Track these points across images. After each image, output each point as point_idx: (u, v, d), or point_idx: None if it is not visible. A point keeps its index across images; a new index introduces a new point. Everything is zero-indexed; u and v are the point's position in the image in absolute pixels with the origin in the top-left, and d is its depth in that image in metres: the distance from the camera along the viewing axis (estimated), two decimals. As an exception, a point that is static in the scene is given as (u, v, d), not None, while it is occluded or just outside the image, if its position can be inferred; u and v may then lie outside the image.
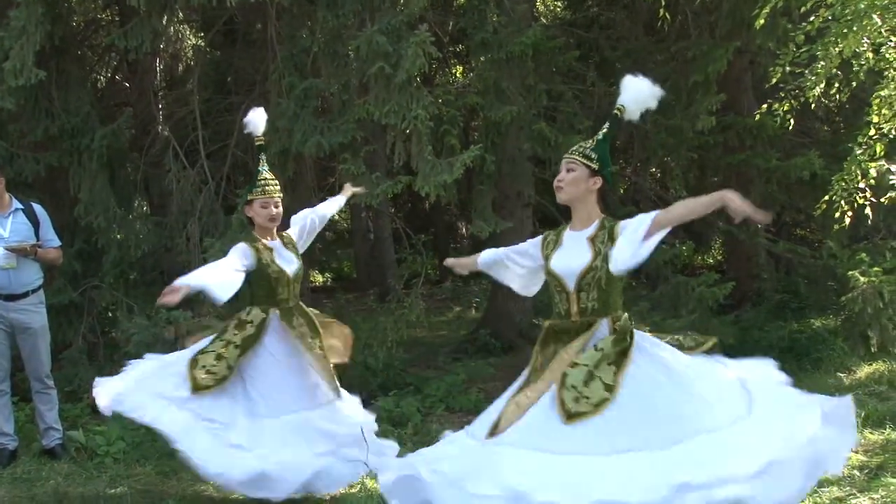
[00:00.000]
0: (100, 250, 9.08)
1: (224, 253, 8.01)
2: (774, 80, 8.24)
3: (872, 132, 7.88)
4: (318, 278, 18.52)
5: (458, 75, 13.82)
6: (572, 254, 4.47)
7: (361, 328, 11.21)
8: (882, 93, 7.61)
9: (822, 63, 7.52)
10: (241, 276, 5.67)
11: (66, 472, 6.73)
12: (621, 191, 11.89)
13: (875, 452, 6.25)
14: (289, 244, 6.09)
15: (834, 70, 7.70)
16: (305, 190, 9.85)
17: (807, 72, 7.80)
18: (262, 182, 5.95)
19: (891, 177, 8.17)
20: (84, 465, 6.98)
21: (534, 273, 4.81)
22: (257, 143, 6.23)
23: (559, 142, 8.91)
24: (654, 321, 8.89)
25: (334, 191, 12.10)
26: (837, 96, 8.60)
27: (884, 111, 7.60)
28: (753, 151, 10.32)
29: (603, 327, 4.38)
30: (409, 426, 7.92)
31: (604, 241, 4.41)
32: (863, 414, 6.98)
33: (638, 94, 4.66)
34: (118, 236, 9.16)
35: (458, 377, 9.23)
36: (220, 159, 9.94)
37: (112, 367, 8.85)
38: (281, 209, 6.01)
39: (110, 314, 9.39)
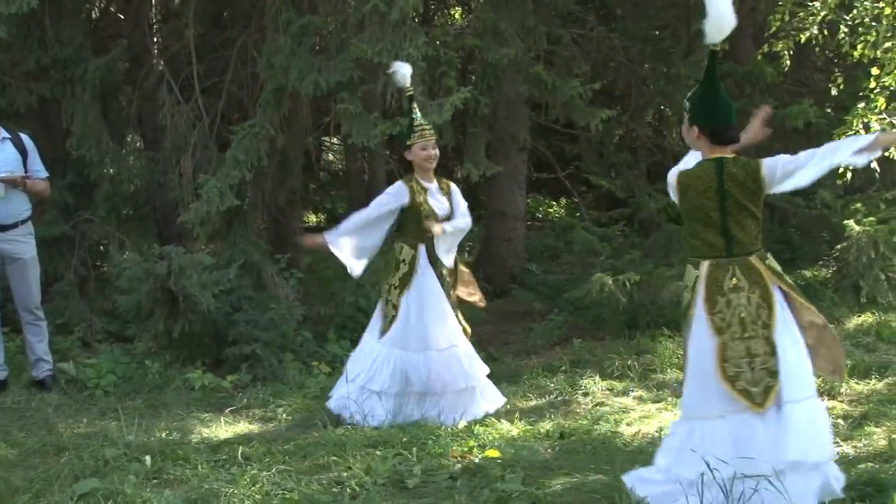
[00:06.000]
0: (92, 184, 9.01)
1: (220, 190, 8.08)
2: (774, 29, 8.17)
3: (873, 84, 7.84)
4: (312, 218, 18.46)
5: (456, 17, 13.66)
6: None
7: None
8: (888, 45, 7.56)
9: (819, 4, 7.48)
10: (382, 233, 6.41)
11: (56, 404, 6.76)
12: (616, 138, 11.80)
13: (860, 402, 6.32)
14: (444, 190, 6.52)
15: (831, 14, 7.64)
16: (300, 128, 9.78)
17: (802, 14, 7.76)
18: (419, 127, 6.41)
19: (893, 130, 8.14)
20: (74, 397, 7.02)
21: None
22: (408, 94, 6.62)
23: (556, 85, 8.83)
24: (646, 269, 8.90)
25: (329, 130, 12.09)
26: (841, 42, 8.47)
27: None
28: (750, 100, 10.23)
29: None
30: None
31: None
32: (850, 364, 7.04)
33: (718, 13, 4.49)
34: (111, 170, 9.09)
35: (449, 320, 9.25)
36: (215, 95, 9.85)
37: (103, 300, 8.91)
38: (437, 151, 6.48)
39: (102, 248, 9.36)
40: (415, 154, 6.41)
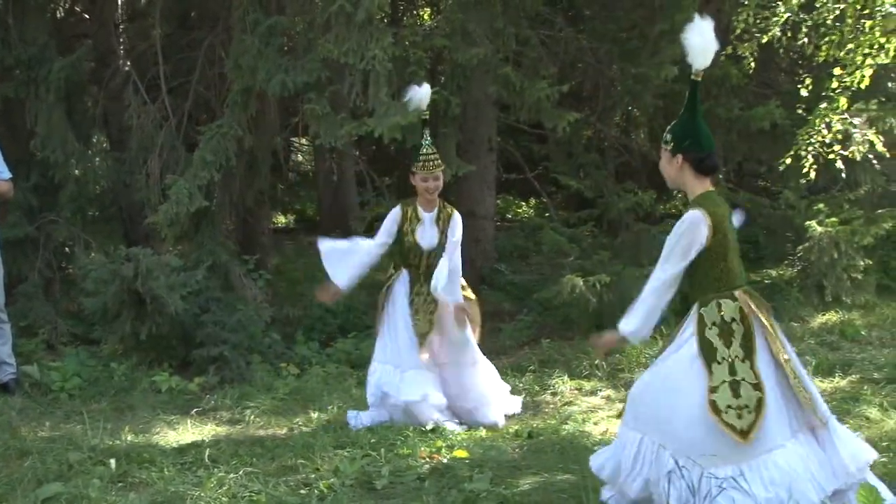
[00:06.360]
0: (57, 185, 8.93)
1: (189, 191, 8.05)
2: (738, 31, 8.24)
3: (835, 85, 7.91)
4: (281, 220, 18.42)
5: (425, 17, 13.66)
6: None
7: (323, 270, 11.18)
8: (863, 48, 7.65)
9: (783, 5, 7.57)
10: (367, 259, 6.42)
11: (19, 407, 6.67)
12: (585, 138, 11.84)
13: (823, 400, 6.36)
14: (443, 219, 6.45)
15: (795, 15, 7.72)
16: (268, 129, 9.75)
17: (767, 14, 7.84)
18: (424, 157, 6.33)
19: (853, 130, 8.24)
20: (38, 400, 6.95)
21: None
22: (423, 117, 6.50)
23: (524, 87, 8.85)
24: (615, 270, 8.93)
25: (297, 130, 12.03)
26: (804, 44, 8.54)
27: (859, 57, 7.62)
28: (716, 101, 10.31)
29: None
30: (367, 368, 7.96)
31: None
32: (814, 363, 7.12)
33: (701, 41, 4.46)
34: (76, 171, 9.02)
35: (418, 320, 9.25)
36: (182, 95, 9.80)
37: (68, 302, 8.82)
38: (440, 182, 6.44)
39: (67, 249, 9.27)
40: (417, 182, 6.40)
